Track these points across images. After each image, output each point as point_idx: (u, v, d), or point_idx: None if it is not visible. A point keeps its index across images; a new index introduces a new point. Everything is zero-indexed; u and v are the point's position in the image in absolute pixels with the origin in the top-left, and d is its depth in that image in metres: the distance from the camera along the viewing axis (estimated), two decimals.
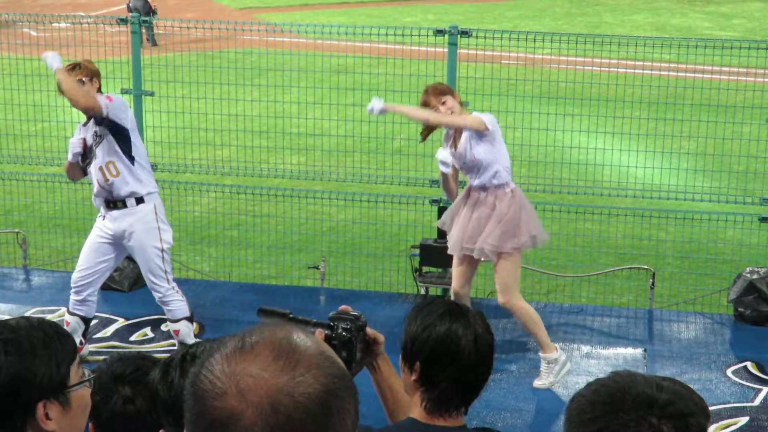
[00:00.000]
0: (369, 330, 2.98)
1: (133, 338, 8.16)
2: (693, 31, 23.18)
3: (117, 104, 7.00)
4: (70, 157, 7.21)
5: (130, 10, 20.82)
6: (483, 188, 7.11)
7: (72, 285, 7.35)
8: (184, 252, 9.98)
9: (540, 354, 7.35)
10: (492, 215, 7.07)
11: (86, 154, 7.17)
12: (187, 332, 7.41)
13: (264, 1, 29.67)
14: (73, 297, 7.36)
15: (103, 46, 9.93)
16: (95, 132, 7.09)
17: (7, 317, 2.84)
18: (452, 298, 7.18)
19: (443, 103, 7.03)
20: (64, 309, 7.58)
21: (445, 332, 3.07)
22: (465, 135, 7.09)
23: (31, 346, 2.33)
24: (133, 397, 2.93)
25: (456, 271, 7.37)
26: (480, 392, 3.13)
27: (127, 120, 7.07)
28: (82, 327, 7.39)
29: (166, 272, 7.29)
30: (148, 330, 8.25)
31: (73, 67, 6.99)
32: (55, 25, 12.33)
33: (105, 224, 7.25)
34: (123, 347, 7.91)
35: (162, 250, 7.26)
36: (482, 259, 7.22)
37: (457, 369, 3.05)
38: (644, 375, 2.01)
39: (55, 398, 2.33)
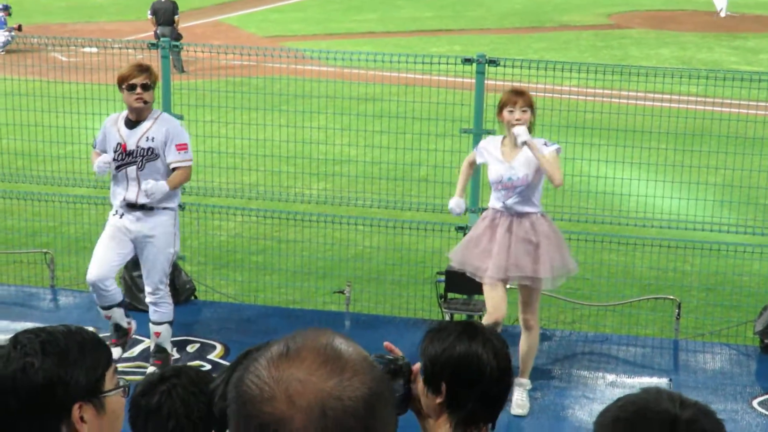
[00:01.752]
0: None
1: None
2: (719, 65, 23.12)
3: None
4: (96, 169, 7.39)
5: (157, 37, 20.99)
6: (516, 209, 7.03)
7: (90, 283, 7.52)
8: (210, 275, 10.01)
9: (520, 379, 7.32)
10: (539, 239, 7.00)
11: (122, 156, 7.33)
12: (167, 336, 7.71)
13: (291, 30, 29.82)
14: (97, 294, 7.57)
15: None
16: (151, 149, 7.27)
17: None
18: (498, 329, 6.64)
19: (524, 111, 6.93)
20: (91, 329, 7.58)
21: (465, 352, 3.09)
22: (529, 154, 6.93)
23: (67, 349, 2.40)
24: (169, 396, 3.06)
25: (496, 298, 7.07)
26: (504, 405, 3.17)
27: None
28: (121, 309, 7.73)
29: (167, 276, 7.66)
30: (174, 351, 8.28)
31: (147, 69, 7.22)
32: (85, 50, 12.46)
33: (123, 223, 7.43)
34: (149, 367, 7.92)
35: (173, 255, 7.59)
36: (520, 284, 7.16)
37: (483, 387, 3.07)
38: (670, 392, 2.02)
39: (90, 401, 2.39)
